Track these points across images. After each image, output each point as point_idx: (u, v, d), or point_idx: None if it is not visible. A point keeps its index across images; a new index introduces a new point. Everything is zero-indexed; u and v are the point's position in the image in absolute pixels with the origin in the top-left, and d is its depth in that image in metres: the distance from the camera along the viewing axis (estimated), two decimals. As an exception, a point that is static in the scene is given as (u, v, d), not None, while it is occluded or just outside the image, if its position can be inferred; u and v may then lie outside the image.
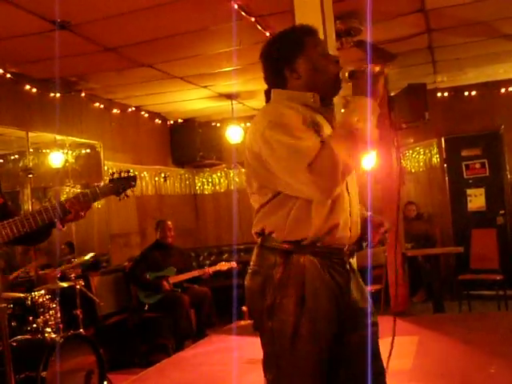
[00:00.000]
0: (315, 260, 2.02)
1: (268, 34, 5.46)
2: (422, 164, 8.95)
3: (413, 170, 8.99)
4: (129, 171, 2.82)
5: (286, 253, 2.02)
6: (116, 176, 2.77)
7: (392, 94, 7.27)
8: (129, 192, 2.82)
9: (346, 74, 2.13)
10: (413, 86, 6.90)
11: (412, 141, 8.87)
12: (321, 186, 1.89)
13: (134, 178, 2.82)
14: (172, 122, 9.07)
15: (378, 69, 2.08)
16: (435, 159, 8.77)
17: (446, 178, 8.66)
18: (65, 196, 6.89)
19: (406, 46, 6.24)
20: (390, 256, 7.03)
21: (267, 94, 2.31)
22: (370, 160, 7.72)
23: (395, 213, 6.97)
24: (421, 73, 7.56)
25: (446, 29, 5.88)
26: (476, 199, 8.51)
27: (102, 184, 2.77)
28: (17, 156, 6.49)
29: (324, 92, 2.17)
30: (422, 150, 8.93)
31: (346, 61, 6.16)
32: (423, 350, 5.28)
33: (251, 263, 2.12)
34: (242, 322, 7.26)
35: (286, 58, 2.20)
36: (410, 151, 9.00)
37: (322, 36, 2.88)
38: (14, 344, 4.05)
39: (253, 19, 5.08)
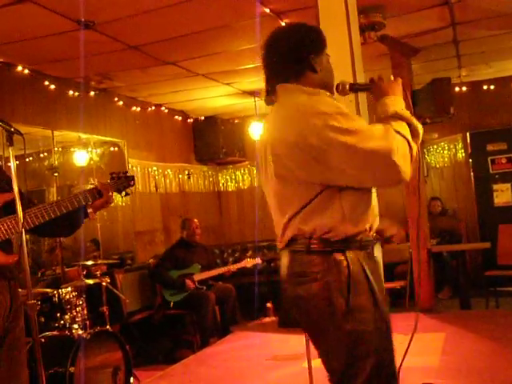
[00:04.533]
0: (365, 254, 2.00)
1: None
2: (446, 159, 8.86)
3: (437, 166, 8.91)
4: (126, 172, 2.96)
5: (340, 251, 1.96)
6: (115, 176, 2.89)
7: (416, 89, 7.21)
8: (128, 190, 2.95)
9: (348, 87, 2.20)
10: (437, 81, 6.81)
11: (436, 136, 8.78)
12: (404, 169, 1.88)
13: (132, 178, 2.96)
14: (195, 119, 9.09)
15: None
16: (460, 154, 8.68)
17: (472, 173, 8.56)
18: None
19: (430, 39, 6.17)
20: (414, 252, 6.99)
21: (274, 82, 2.17)
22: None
23: (416, 209, 6.94)
24: (445, 67, 7.48)
25: (471, 22, 5.81)
26: (502, 194, 8.40)
27: (106, 182, 2.86)
28: (43, 155, 6.56)
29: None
30: (446, 145, 8.84)
31: (370, 56, 6.13)
32: (450, 346, 5.23)
33: (296, 270, 2.00)
34: (267, 319, 7.27)
35: (314, 47, 2.15)
36: (435, 146, 8.91)
37: (345, 30, 2.87)
38: (43, 340, 4.10)
39: (275, 15, 5.06)
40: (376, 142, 1.87)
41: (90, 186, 2.74)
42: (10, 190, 2.42)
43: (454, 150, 8.77)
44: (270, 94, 2.18)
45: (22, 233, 2.37)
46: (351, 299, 1.92)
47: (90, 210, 2.73)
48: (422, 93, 7.07)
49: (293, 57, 2.13)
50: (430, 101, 6.85)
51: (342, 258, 1.95)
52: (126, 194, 2.95)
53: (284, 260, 2.08)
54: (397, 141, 1.89)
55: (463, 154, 8.63)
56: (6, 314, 2.45)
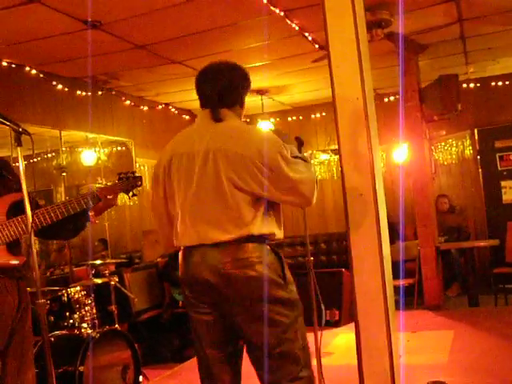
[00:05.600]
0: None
1: (297, 27, 5.44)
2: (454, 156, 8.82)
3: (445, 163, 8.88)
4: (134, 172, 2.98)
5: (276, 246, 2.58)
6: (123, 176, 2.91)
7: (423, 86, 7.19)
8: (136, 191, 2.97)
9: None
10: (444, 77, 6.80)
11: (444, 133, 8.76)
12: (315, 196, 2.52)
13: (140, 178, 2.97)
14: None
15: None
16: (468, 151, 8.65)
17: (480, 170, 8.53)
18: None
19: (437, 36, 6.15)
20: (423, 250, 6.98)
21: (220, 106, 2.61)
22: (401, 153, 7.66)
23: (426, 206, 6.92)
24: (452, 63, 7.45)
25: (479, 18, 5.78)
26: (511, 191, 8.37)
27: (114, 183, 2.89)
28: (50, 155, 6.58)
29: None
30: (454, 142, 8.80)
31: (377, 53, 6.10)
32: (458, 344, 5.22)
33: (254, 256, 2.47)
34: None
35: (248, 88, 2.73)
36: (442, 143, 8.88)
37: (352, 28, 2.85)
38: (52, 339, 4.11)
39: (282, 13, 5.06)
40: (309, 174, 2.50)
41: (95, 187, 2.76)
42: (19, 190, 2.44)
43: (461, 146, 8.73)
44: (216, 114, 2.59)
45: (30, 233, 2.37)
46: (286, 278, 2.56)
47: (91, 214, 2.74)
48: (429, 90, 7.06)
49: (238, 91, 2.67)
50: (438, 98, 6.84)
51: (274, 250, 2.56)
52: (134, 195, 2.97)
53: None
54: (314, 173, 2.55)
55: (471, 151, 8.60)
56: (13, 313, 2.48)
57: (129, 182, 2.92)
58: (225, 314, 2.52)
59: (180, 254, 2.61)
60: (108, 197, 2.76)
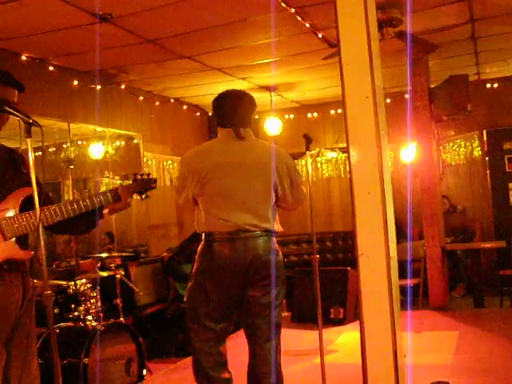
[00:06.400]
0: None
1: (308, 25, 5.43)
2: (462, 157, 8.78)
3: (453, 163, 8.84)
4: (150, 174, 2.99)
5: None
6: (139, 177, 2.92)
7: (433, 86, 7.16)
8: (149, 193, 2.98)
9: None
10: (454, 78, 6.78)
11: (453, 133, 8.73)
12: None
13: (155, 181, 2.98)
14: (210, 113, 9.09)
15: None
16: (476, 152, 8.61)
17: (488, 172, 8.49)
18: (104, 187, 7.00)
19: (448, 36, 6.13)
20: (429, 250, 6.97)
21: (241, 126, 3.27)
22: (409, 153, 7.64)
23: (433, 206, 6.90)
24: (463, 64, 7.42)
25: (490, 18, 5.75)
26: (519, 193, 8.34)
27: (128, 184, 2.89)
28: (59, 147, 6.60)
29: None
30: (462, 143, 8.77)
31: (387, 52, 6.06)
32: (463, 345, 5.22)
33: (271, 247, 3.19)
34: (280, 314, 7.27)
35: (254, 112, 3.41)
36: (451, 144, 8.85)
37: (364, 26, 2.84)
38: (57, 331, 4.13)
39: (293, 10, 5.05)
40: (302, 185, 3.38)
41: (118, 185, 2.76)
42: (31, 184, 2.46)
43: (470, 147, 8.69)
44: (240, 133, 3.24)
45: (39, 225, 2.38)
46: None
47: (105, 211, 2.76)
48: (438, 90, 7.04)
49: (251, 114, 3.35)
50: (447, 98, 6.82)
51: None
52: (146, 197, 2.97)
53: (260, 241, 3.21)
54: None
55: (479, 152, 8.56)
56: (18, 305, 2.50)
57: (144, 183, 2.92)
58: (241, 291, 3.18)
59: (210, 238, 3.21)
60: (129, 199, 2.78)
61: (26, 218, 2.50)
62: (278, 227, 3.27)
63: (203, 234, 3.26)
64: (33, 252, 2.56)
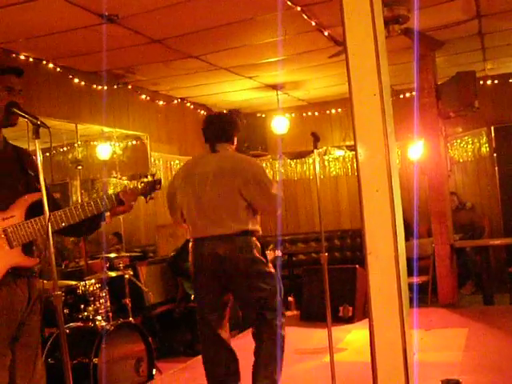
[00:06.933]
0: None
1: (314, 23, 5.42)
2: (470, 154, 8.75)
3: (461, 160, 8.81)
4: (155, 174, 3.00)
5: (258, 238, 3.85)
6: (144, 179, 2.93)
7: (440, 83, 7.14)
8: (154, 195, 2.99)
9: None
10: (461, 74, 6.74)
11: (460, 130, 8.70)
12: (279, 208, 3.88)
13: (160, 181, 2.99)
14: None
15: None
16: (484, 149, 8.57)
17: (496, 168, 8.46)
18: (112, 187, 7.02)
19: (454, 32, 6.10)
20: (438, 247, 6.94)
21: (216, 141, 3.90)
22: (417, 150, 7.62)
23: (442, 203, 6.87)
24: (470, 60, 7.39)
25: (497, 14, 5.72)
26: (527, 189, 8.30)
27: (136, 184, 2.91)
28: (66, 148, 6.62)
29: None
30: (470, 140, 8.73)
31: (393, 49, 6.04)
32: (472, 342, 5.20)
33: (244, 245, 3.72)
34: (288, 313, 7.27)
35: (238, 131, 4.02)
36: (458, 141, 8.82)
37: (370, 23, 2.84)
38: (67, 331, 4.15)
39: (298, 8, 5.04)
40: (277, 192, 3.82)
41: (110, 190, 2.78)
42: (38, 188, 2.47)
43: (478, 144, 8.66)
44: (215, 147, 3.88)
45: (48, 227, 2.40)
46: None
47: (107, 214, 2.76)
48: (446, 86, 7.01)
49: (232, 132, 3.96)
50: (454, 94, 6.79)
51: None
52: (151, 199, 2.98)
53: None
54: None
55: (487, 149, 8.53)
56: (23, 306, 2.54)
57: (149, 185, 2.93)
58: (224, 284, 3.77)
59: (192, 243, 3.84)
60: (132, 203, 2.79)
61: (31, 225, 2.51)
62: (250, 226, 3.76)
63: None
64: (38, 259, 2.58)
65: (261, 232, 3.89)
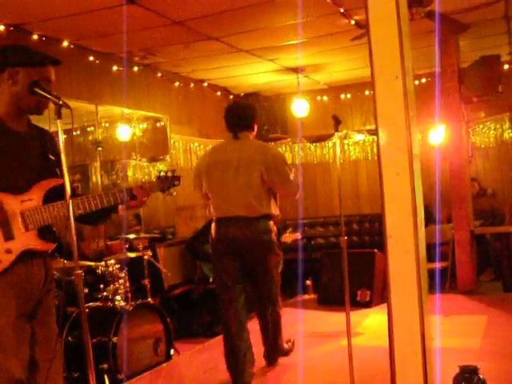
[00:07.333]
0: None
1: (335, 5, 5.36)
2: (492, 139, 8.63)
3: (482, 146, 8.70)
4: (174, 171, 3.02)
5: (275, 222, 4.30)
6: (163, 175, 2.94)
7: (463, 67, 7.04)
8: (172, 190, 3.01)
9: None
10: (485, 58, 6.65)
11: (483, 115, 8.58)
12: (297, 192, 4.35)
13: (179, 178, 3.00)
14: (237, 95, 9.09)
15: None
16: (507, 134, 8.45)
17: (518, 154, 8.35)
18: (131, 169, 7.05)
19: (479, 15, 6.00)
20: (457, 233, 6.89)
21: (238, 129, 4.26)
22: (438, 135, 7.54)
23: (462, 189, 6.81)
24: (494, 44, 7.27)
25: (524, -3, 5.63)
26: (550, 176, 8.18)
27: (153, 180, 2.95)
28: (87, 130, 6.65)
29: None
30: (492, 125, 8.61)
31: (416, 32, 5.95)
32: (491, 329, 5.18)
33: (265, 228, 4.16)
34: (306, 296, 7.30)
35: (258, 118, 4.46)
36: (480, 126, 8.70)
37: (393, 5, 2.80)
38: (87, 310, 4.19)
39: (321, -10, 4.99)
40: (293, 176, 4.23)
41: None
42: (59, 173, 2.49)
43: (500, 129, 8.54)
44: (237, 134, 4.24)
45: (69, 206, 2.42)
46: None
47: (120, 206, 2.78)
48: (469, 70, 6.91)
49: (253, 120, 4.33)
50: (478, 79, 6.70)
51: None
52: (169, 194, 3.00)
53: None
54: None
55: (510, 134, 8.41)
56: (41, 284, 2.58)
57: (167, 181, 2.94)
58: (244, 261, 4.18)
59: (215, 223, 4.21)
60: (144, 198, 2.80)
61: (49, 210, 2.53)
62: (271, 211, 4.18)
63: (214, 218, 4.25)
64: (54, 244, 2.61)
65: (280, 216, 4.31)
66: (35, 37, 5.44)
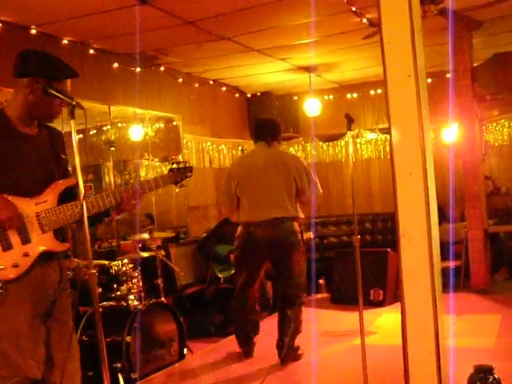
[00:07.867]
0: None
1: (346, 3, 5.35)
2: (506, 137, 8.56)
3: (496, 144, 8.64)
4: (186, 162, 2.94)
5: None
6: (175, 166, 2.88)
7: (476, 65, 6.99)
8: (185, 182, 2.94)
9: None
10: (499, 56, 6.60)
11: (497, 113, 8.51)
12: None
13: (191, 169, 2.93)
14: (249, 95, 9.09)
15: None
16: (521, 132, 8.38)
17: (533, 153, 8.28)
18: (144, 169, 7.07)
19: (493, 12, 5.95)
20: (471, 232, 6.85)
21: (271, 139, 4.87)
22: (451, 133, 7.50)
23: (476, 188, 6.77)
24: (508, 41, 7.21)
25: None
26: None
27: (164, 174, 2.88)
28: (100, 130, 6.68)
29: None
30: (506, 123, 8.54)
31: (428, 29, 5.92)
32: (506, 328, 5.14)
33: (293, 229, 4.63)
34: (319, 295, 7.28)
35: (280, 133, 5.01)
36: (494, 124, 8.63)
37: (406, 3, 2.79)
38: (101, 309, 4.21)
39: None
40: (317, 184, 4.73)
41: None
42: (70, 172, 2.51)
43: (514, 127, 8.47)
44: (269, 144, 4.83)
45: (82, 205, 2.43)
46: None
47: (112, 211, 2.76)
48: (482, 68, 6.87)
49: (280, 134, 4.96)
50: (491, 76, 6.66)
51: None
52: (181, 186, 2.93)
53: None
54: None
55: (524, 132, 8.34)
56: (56, 284, 2.61)
57: (179, 172, 2.88)
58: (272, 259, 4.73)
59: (243, 227, 4.73)
60: (132, 202, 2.73)
61: (63, 211, 2.54)
62: (298, 213, 4.64)
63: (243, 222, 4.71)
64: (68, 244, 2.63)
65: (304, 219, 4.82)
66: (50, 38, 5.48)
